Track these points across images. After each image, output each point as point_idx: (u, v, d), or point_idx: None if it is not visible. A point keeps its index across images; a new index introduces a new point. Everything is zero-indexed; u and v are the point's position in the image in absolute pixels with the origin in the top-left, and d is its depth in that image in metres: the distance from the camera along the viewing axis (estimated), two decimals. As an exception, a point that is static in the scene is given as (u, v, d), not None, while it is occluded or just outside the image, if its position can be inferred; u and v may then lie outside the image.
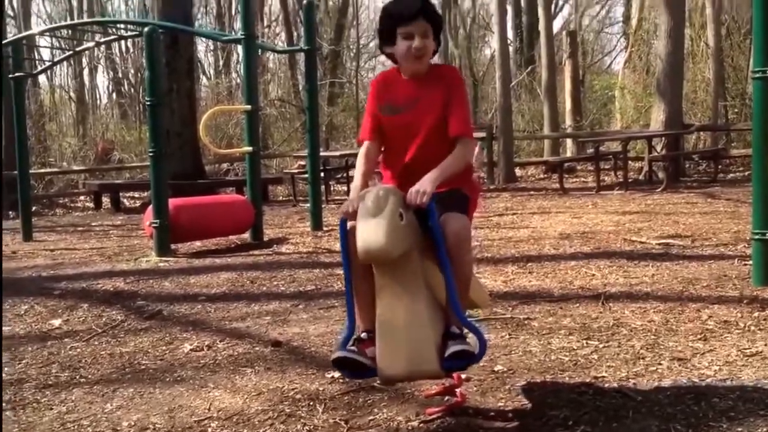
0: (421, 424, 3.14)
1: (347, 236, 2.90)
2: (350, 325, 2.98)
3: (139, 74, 26.54)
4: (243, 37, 8.70)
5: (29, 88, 20.42)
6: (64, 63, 24.87)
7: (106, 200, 15.33)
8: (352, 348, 2.92)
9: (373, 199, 2.76)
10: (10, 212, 14.63)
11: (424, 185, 2.88)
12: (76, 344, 4.72)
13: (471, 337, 2.92)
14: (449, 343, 2.84)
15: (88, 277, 6.78)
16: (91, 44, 14.48)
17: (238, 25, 24.00)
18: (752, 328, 4.20)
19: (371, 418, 3.24)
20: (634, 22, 21.25)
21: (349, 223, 2.89)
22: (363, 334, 2.97)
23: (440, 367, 2.82)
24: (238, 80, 23.21)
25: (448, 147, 3.09)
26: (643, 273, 5.77)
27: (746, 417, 2.98)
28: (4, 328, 5.22)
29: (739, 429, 2.89)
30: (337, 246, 7.83)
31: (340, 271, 6.32)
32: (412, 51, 3.08)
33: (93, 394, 3.76)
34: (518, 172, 16.54)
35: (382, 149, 3.26)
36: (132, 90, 29.63)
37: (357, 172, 3.19)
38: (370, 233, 2.68)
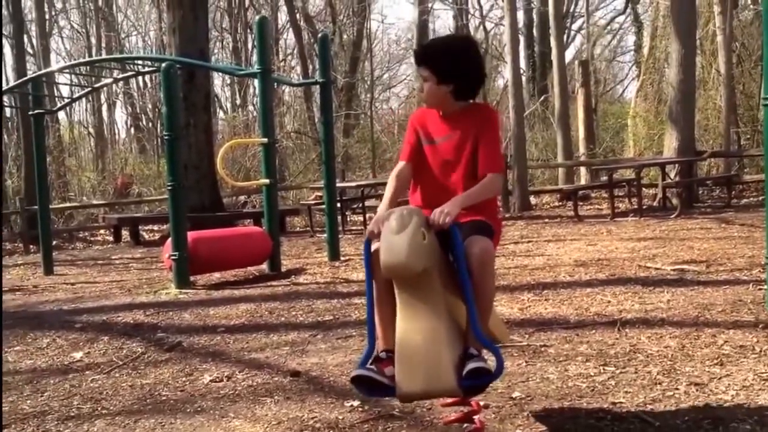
0: (440, 451, 3.17)
1: (371, 257, 2.98)
2: (370, 345, 3.03)
3: (156, 109, 26.86)
4: (259, 71, 8.80)
5: (49, 124, 20.71)
6: (83, 99, 25.20)
7: (125, 233, 15.45)
8: (371, 367, 2.97)
9: (397, 218, 2.87)
10: (31, 246, 14.81)
11: (448, 207, 2.98)
12: (98, 376, 4.77)
13: (490, 361, 2.96)
14: (467, 362, 2.89)
15: (109, 310, 6.84)
16: (109, 80, 14.76)
17: (254, 59, 24.34)
18: (768, 352, 4.21)
19: (390, 445, 3.28)
20: (645, 50, 21.35)
21: (374, 245, 2.97)
22: (382, 354, 3.02)
23: (458, 385, 2.85)
24: (255, 113, 23.44)
25: (477, 182, 3.21)
26: (658, 299, 5.78)
27: (762, 440, 3.00)
28: (26, 361, 5.30)
29: (756, 452, 2.91)
30: (354, 276, 7.88)
31: (357, 301, 6.39)
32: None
33: (115, 426, 3.81)
34: (533, 200, 16.56)
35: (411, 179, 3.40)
36: (150, 124, 30.00)
37: (386, 193, 3.31)
38: (392, 248, 2.78)
